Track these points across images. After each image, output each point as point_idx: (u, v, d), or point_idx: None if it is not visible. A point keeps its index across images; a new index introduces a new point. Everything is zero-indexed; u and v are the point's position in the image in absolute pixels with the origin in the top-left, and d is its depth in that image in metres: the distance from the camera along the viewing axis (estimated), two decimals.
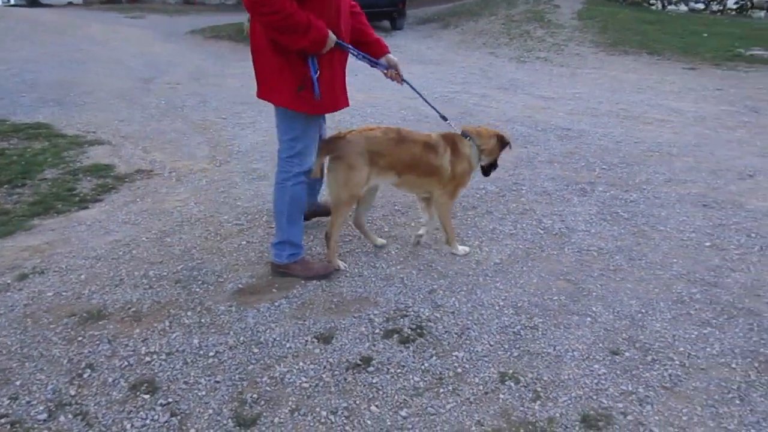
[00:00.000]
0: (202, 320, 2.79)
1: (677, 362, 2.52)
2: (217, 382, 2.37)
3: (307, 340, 2.65)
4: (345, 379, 2.40)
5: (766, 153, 5.38)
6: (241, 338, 2.65)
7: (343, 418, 2.20)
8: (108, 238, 3.63)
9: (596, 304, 2.96)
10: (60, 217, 3.97)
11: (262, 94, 2.95)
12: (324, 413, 2.22)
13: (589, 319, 2.83)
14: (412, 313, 2.86)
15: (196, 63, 10.72)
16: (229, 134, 5.98)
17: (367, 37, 3.15)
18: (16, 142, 5.54)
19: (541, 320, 2.82)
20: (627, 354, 2.57)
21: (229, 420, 2.18)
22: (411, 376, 2.42)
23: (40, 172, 4.76)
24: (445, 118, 3.37)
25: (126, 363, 2.48)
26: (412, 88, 3.28)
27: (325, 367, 2.47)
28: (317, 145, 3.08)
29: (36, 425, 2.14)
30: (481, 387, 2.36)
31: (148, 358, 2.51)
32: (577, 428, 2.15)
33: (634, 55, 11.04)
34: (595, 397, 2.31)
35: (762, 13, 16.93)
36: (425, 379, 2.41)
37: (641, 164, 5.05)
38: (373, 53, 3.15)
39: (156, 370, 2.44)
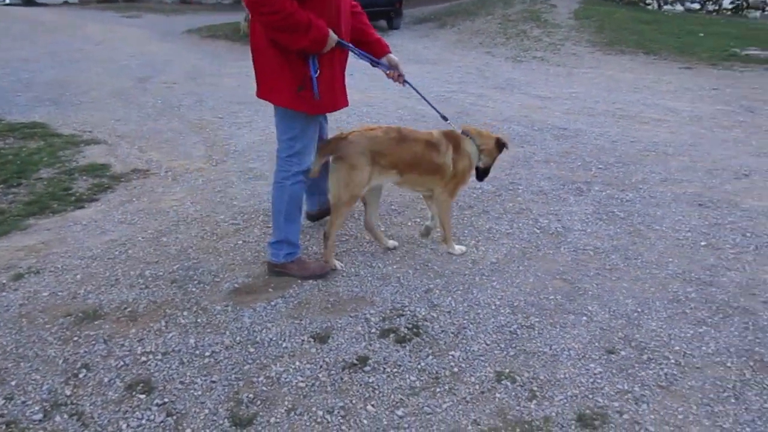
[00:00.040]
0: (199, 320, 2.78)
1: (673, 361, 2.52)
2: (213, 381, 2.37)
3: (303, 340, 2.65)
4: (341, 379, 2.40)
5: (762, 152, 5.39)
6: (237, 338, 2.65)
7: (340, 417, 2.20)
8: (104, 238, 3.62)
9: (592, 303, 2.97)
10: (56, 216, 3.96)
11: (261, 94, 2.95)
12: (320, 413, 2.22)
13: (585, 318, 2.84)
14: (409, 312, 2.86)
15: (192, 62, 10.70)
16: (225, 134, 5.97)
17: (368, 37, 3.15)
18: (12, 142, 5.52)
19: (537, 319, 2.82)
20: (623, 353, 2.58)
21: (225, 420, 2.17)
22: (407, 376, 2.42)
23: (35, 171, 4.75)
24: (445, 119, 3.38)
25: (122, 363, 2.47)
26: (414, 89, 3.28)
27: (321, 367, 2.47)
28: (316, 145, 3.08)
29: (31, 425, 2.14)
30: (477, 386, 2.37)
31: (144, 358, 2.50)
32: (573, 427, 2.16)
33: (631, 55, 11.07)
34: (591, 396, 2.31)
35: (757, 13, 16.99)
36: (421, 378, 2.41)
37: (637, 164, 5.06)
38: (375, 53, 3.16)
39: (152, 370, 2.43)
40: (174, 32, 14.89)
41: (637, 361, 2.53)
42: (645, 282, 3.17)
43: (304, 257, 3.24)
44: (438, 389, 2.35)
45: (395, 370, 2.45)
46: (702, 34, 12.47)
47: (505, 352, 2.58)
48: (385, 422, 2.17)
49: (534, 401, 2.29)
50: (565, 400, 2.29)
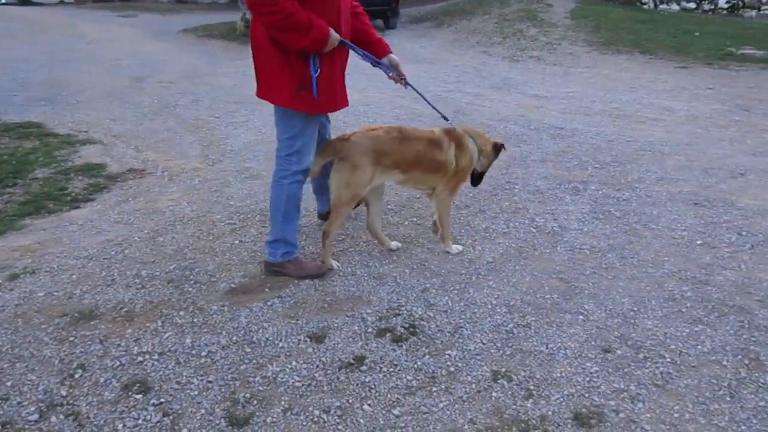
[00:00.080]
0: (195, 320, 2.78)
1: (669, 360, 2.53)
2: (210, 381, 2.37)
3: (299, 340, 2.65)
4: (338, 378, 2.40)
5: (757, 152, 5.41)
6: (234, 338, 2.65)
7: (336, 417, 2.20)
8: (100, 238, 3.61)
9: (588, 302, 2.97)
10: (51, 216, 3.94)
11: (261, 93, 2.95)
12: (317, 412, 2.22)
13: (581, 317, 2.84)
14: (405, 311, 2.86)
15: (188, 62, 10.68)
16: (221, 133, 5.96)
17: (368, 37, 3.16)
18: (7, 142, 5.50)
19: (533, 318, 2.83)
20: (619, 352, 2.58)
21: (222, 420, 2.17)
22: (404, 375, 2.42)
23: (31, 171, 4.73)
24: (447, 119, 3.39)
25: (118, 363, 2.47)
26: (416, 90, 3.29)
27: (317, 367, 2.47)
28: (315, 144, 3.08)
29: (27, 426, 2.13)
30: (473, 385, 2.37)
31: (140, 358, 2.50)
32: (569, 426, 2.16)
33: (627, 54, 11.09)
34: (587, 395, 2.32)
35: (753, 13, 17.04)
36: (418, 377, 2.41)
37: (633, 163, 5.07)
38: (376, 53, 3.16)
39: (148, 370, 2.43)
40: (170, 31, 14.85)
41: (633, 359, 2.53)
42: (641, 281, 3.18)
43: (301, 257, 3.24)
44: (434, 388, 2.35)
45: (392, 369, 2.46)
46: (698, 34, 12.51)
47: (501, 351, 2.58)
48: (382, 421, 2.17)
49: (530, 400, 2.29)
50: (561, 399, 2.29)
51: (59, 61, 10.25)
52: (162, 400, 2.26)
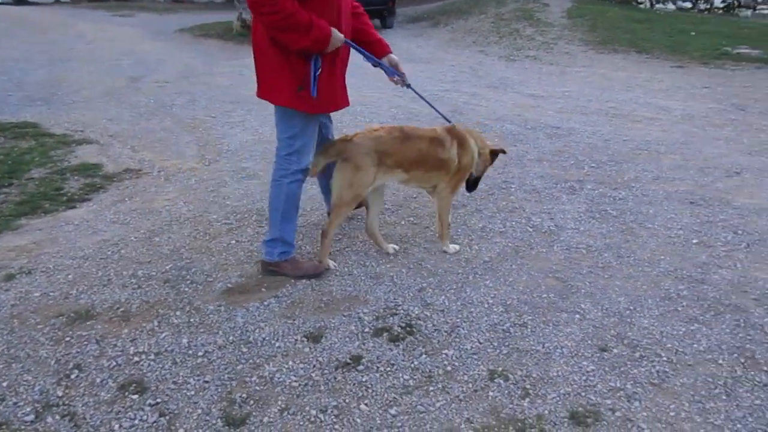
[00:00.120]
0: (191, 320, 2.78)
1: (665, 358, 2.54)
2: (206, 381, 2.37)
3: (296, 339, 2.64)
4: (334, 378, 2.40)
5: (753, 151, 5.42)
6: (231, 338, 2.65)
7: (333, 416, 2.20)
8: (96, 238, 3.61)
9: (585, 301, 2.98)
10: (47, 216, 3.93)
11: (262, 93, 2.95)
12: (313, 412, 2.22)
13: (577, 316, 2.85)
14: (402, 311, 2.86)
15: (185, 61, 10.65)
16: (218, 133, 5.95)
17: (369, 37, 3.16)
18: (3, 142, 5.48)
19: (530, 318, 2.83)
20: (615, 351, 2.59)
21: (218, 420, 2.17)
22: (400, 375, 2.42)
23: (27, 171, 4.72)
24: (448, 120, 3.39)
25: (114, 363, 2.46)
26: (416, 92, 3.30)
27: (314, 366, 2.47)
28: (315, 144, 3.08)
29: (23, 426, 2.12)
30: (470, 385, 2.37)
31: (136, 358, 2.50)
32: (565, 425, 2.16)
33: (623, 54, 11.10)
34: (583, 394, 2.32)
35: (749, 12, 17.09)
36: (415, 377, 2.41)
37: (630, 162, 5.08)
38: (376, 53, 3.17)
39: (145, 370, 2.42)
40: (166, 31, 14.82)
41: (629, 358, 2.54)
42: (637, 280, 3.19)
43: (298, 257, 3.24)
44: (431, 388, 2.35)
45: (388, 369, 2.46)
46: (694, 33, 12.54)
47: (498, 351, 2.58)
48: (379, 421, 2.18)
49: (527, 399, 2.29)
50: (557, 398, 2.29)
51: (55, 60, 10.22)
52: (158, 400, 2.26)
